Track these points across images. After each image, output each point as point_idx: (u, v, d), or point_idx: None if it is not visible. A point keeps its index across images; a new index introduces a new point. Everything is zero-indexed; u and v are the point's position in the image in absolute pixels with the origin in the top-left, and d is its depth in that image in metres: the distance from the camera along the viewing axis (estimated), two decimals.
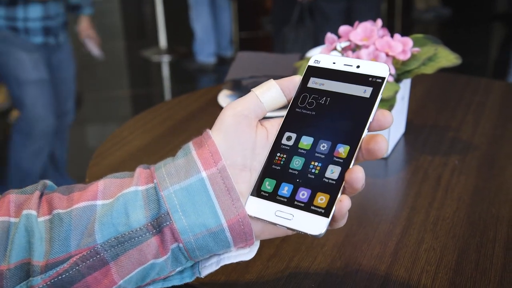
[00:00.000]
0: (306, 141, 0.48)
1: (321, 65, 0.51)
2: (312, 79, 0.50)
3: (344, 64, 0.50)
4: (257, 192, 0.47)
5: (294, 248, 0.66)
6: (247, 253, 0.50)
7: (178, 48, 4.45)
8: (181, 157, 0.48)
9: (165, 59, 4.32)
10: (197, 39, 4.04)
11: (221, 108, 1.06)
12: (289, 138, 0.49)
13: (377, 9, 2.82)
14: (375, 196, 0.78)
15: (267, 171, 0.48)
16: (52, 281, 0.45)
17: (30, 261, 0.46)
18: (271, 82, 0.50)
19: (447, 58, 0.83)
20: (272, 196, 0.47)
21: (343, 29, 0.84)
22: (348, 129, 0.47)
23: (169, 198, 0.47)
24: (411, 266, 0.63)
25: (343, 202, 0.45)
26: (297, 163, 0.47)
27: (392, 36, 0.83)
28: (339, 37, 0.85)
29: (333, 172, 0.46)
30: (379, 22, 0.85)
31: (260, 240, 0.51)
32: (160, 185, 0.47)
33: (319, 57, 0.51)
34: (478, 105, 1.06)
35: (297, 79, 0.51)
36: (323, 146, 0.47)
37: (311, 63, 0.51)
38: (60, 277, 0.46)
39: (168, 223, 0.46)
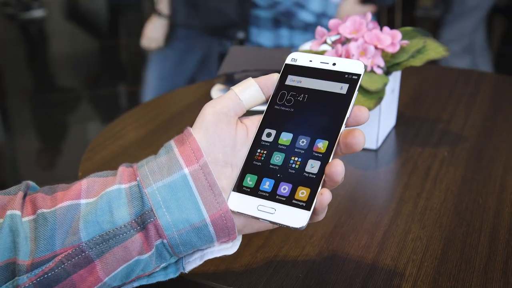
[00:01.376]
0: (286, 137, 0.49)
1: (298, 63, 0.52)
2: (289, 77, 0.52)
3: (321, 62, 0.51)
4: (239, 187, 0.49)
5: (283, 239, 0.67)
6: (230, 248, 0.51)
7: None
8: (163, 155, 0.49)
9: None
10: None
11: None
12: (269, 135, 0.50)
13: None
14: (364, 187, 0.79)
15: (248, 166, 0.49)
16: (38, 279, 0.46)
17: (15, 261, 0.46)
18: (250, 80, 0.51)
19: (436, 50, 0.83)
20: (254, 191, 0.48)
21: (332, 22, 0.85)
22: (326, 125, 0.48)
23: (153, 195, 0.47)
24: (398, 256, 0.63)
25: (324, 195, 0.46)
26: (277, 158, 0.49)
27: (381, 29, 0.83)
28: (329, 30, 0.86)
29: (313, 166, 0.47)
30: (369, 15, 0.85)
31: (255, 232, 0.52)
32: (143, 183, 0.48)
33: (296, 55, 0.53)
34: (469, 97, 1.07)
35: (275, 77, 0.52)
36: (303, 142, 0.49)
37: (288, 61, 0.52)
38: (46, 276, 0.46)
39: (152, 219, 0.47)
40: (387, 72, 0.85)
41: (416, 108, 1.03)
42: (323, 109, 0.49)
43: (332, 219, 0.70)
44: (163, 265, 0.51)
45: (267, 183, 0.48)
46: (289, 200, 0.47)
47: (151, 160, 0.50)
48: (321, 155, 0.47)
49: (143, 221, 0.47)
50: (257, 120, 0.51)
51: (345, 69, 0.50)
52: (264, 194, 0.48)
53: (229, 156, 0.49)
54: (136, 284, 0.52)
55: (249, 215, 0.48)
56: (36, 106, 3.52)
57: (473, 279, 0.59)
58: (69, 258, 0.46)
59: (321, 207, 0.47)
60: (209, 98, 1.09)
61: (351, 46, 0.81)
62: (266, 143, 0.50)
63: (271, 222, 0.47)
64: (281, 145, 0.49)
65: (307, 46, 1.07)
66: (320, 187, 0.46)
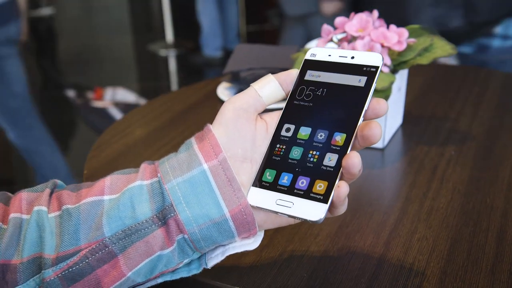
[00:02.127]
0: (304, 132, 0.50)
1: (317, 58, 0.52)
2: (309, 72, 0.52)
3: (339, 56, 0.52)
4: (259, 182, 0.49)
5: (288, 239, 0.66)
6: (252, 243, 0.51)
7: (185, 42, 4.45)
8: (183, 152, 0.50)
9: (172, 53, 4.32)
10: (203, 33, 4.04)
11: (220, 100, 1.07)
12: (288, 130, 0.50)
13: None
14: (370, 186, 0.79)
15: (268, 162, 0.50)
16: (63, 273, 0.47)
17: (41, 255, 0.48)
18: (269, 76, 0.52)
19: (443, 48, 0.83)
20: (273, 186, 0.49)
21: (338, 20, 0.84)
22: (344, 118, 0.49)
23: (173, 190, 0.48)
24: (403, 256, 0.63)
25: (341, 188, 0.46)
26: (296, 153, 0.49)
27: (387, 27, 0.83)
28: (335, 28, 0.85)
29: (330, 159, 0.47)
30: (375, 13, 0.85)
31: (276, 227, 0.52)
32: (163, 179, 0.49)
33: (315, 50, 0.53)
34: (477, 95, 1.06)
35: (294, 72, 0.52)
36: (321, 136, 0.49)
37: (307, 56, 0.53)
38: (70, 270, 0.47)
39: (172, 214, 0.48)
40: (394, 70, 0.84)
41: (423, 107, 1.02)
42: (341, 103, 0.49)
43: (337, 219, 0.70)
44: (186, 261, 0.51)
45: (286, 177, 0.49)
46: (307, 194, 0.47)
47: (172, 156, 0.51)
48: (339, 148, 0.48)
49: (164, 216, 0.48)
50: (277, 116, 0.52)
51: (364, 62, 0.50)
52: (283, 188, 0.48)
53: (248, 152, 0.50)
54: (160, 280, 0.53)
55: (267, 210, 0.48)
56: (44, 103, 3.53)
57: (480, 280, 0.58)
58: (93, 252, 0.47)
59: (338, 200, 0.47)
60: (215, 96, 1.09)
61: (357, 44, 0.80)
62: (285, 138, 0.50)
63: (289, 216, 0.47)
64: (300, 139, 0.50)
65: (313, 44, 1.07)
66: (337, 180, 0.47)
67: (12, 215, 0.49)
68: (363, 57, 0.50)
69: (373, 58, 0.50)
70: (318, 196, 0.47)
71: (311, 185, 0.47)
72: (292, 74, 0.52)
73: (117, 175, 0.52)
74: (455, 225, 0.68)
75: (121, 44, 4.83)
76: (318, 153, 0.48)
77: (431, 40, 0.83)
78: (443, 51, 0.82)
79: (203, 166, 0.48)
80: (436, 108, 1.01)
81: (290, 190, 0.48)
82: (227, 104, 0.51)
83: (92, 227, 0.48)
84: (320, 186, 0.47)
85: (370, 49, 0.80)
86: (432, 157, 0.83)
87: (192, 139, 0.51)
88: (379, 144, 0.87)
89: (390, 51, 0.82)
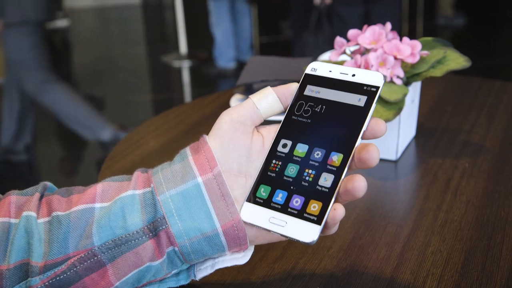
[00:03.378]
0: (301, 149, 0.49)
1: (317, 73, 0.51)
2: (308, 87, 0.51)
3: (340, 73, 0.50)
4: (252, 198, 0.48)
5: (301, 251, 0.66)
6: (241, 257, 0.51)
7: (198, 53, 4.48)
8: (178, 162, 0.50)
9: (186, 64, 4.35)
10: (217, 44, 4.06)
11: None
12: (284, 145, 0.49)
13: (396, 13, 2.79)
14: (383, 199, 0.78)
15: (263, 177, 0.49)
16: (50, 281, 0.47)
17: (29, 262, 0.47)
18: (268, 89, 0.51)
19: (457, 61, 0.83)
20: (267, 203, 0.48)
21: (352, 32, 0.84)
22: (342, 138, 0.48)
23: (165, 202, 0.48)
24: (417, 269, 0.62)
25: (337, 211, 0.46)
26: (291, 170, 0.48)
27: (400, 39, 0.83)
28: (348, 41, 0.86)
29: (326, 180, 0.46)
30: (388, 25, 0.85)
31: (267, 243, 0.51)
32: (156, 190, 0.48)
33: (316, 65, 0.52)
34: (491, 107, 1.05)
35: (293, 86, 0.51)
36: (317, 154, 0.48)
37: (307, 71, 0.52)
38: (58, 278, 0.47)
39: (164, 227, 0.47)
40: (407, 82, 0.84)
41: (437, 119, 1.02)
42: (340, 121, 0.48)
43: (350, 231, 0.70)
44: (175, 271, 0.51)
45: (280, 195, 0.48)
46: (301, 214, 0.46)
47: (165, 167, 0.50)
48: (335, 169, 0.47)
49: (155, 228, 0.47)
50: (273, 130, 0.51)
51: (364, 80, 0.49)
52: (277, 206, 0.47)
53: (243, 166, 0.49)
54: None
55: (260, 227, 0.47)
56: None
57: None
58: (82, 261, 0.47)
59: (333, 222, 0.46)
60: (228, 107, 1.09)
61: (370, 56, 0.80)
62: (282, 154, 0.49)
63: (281, 235, 0.47)
64: (296, 156, 0.49)
65: (326, 56, 1.07)
66: (332, 202, 0.46)
67: (0, 219, 0.48)
68: (364, 76, 0.49)
69: (374, 78, 0.49)
70: (312, 217, 0.45)
71: (305, 205, 0.46)
72: (292, 88, 0.51)
73: (109, 182, 0.51)
74: (469, 238, 0.67)
75: (135, 55, 4.87)
76: (314, 172, 0.47)
77: (444, 52, 0.83)
78: (456, 63, 0.82)
79: (197, 180, 0.48)
80: (450, 120, 1.01)
81: (284, 208, 0.47)
82: (224, 116, 0.50)
83: (81, 235, 0.47)
84: (314, 207, 0.46)
85: (383, 61, 0.80)
86: (445, 170, 0.83)
87: (187, 150, 0.50)
88: (392, 156, 0.87)
89: (403, 64, 0.82)
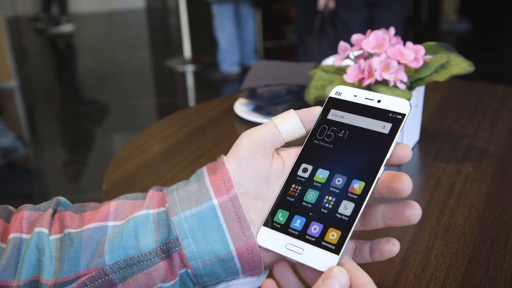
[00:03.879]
0: (322, 174, 0.47)
1: (342, 97, 0.50)
2: (332, 111, 0.50)
3: (365, 98, 0.49)
4: (270, 222, 0.47)
5: None
6: (255, 281, 0.50)
7: (202, 58, 4.49)
8: (194, 183, 0.49)
9: (190, 69, 4.36)
10: (221, 49, 4.07)
11: (237, 116, 1.08)
12: (305, 170, 0.48)
13: (400, 18, 2.80)
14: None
15: (281, 202, 0.47)
16: None
17: (39, 279, 0.46)
18: (291, 112, 0.50)
19: (460, 65, 0.83)
20: (284, 228, 0.46)
21: (355, 37, 0.85)
22: (364, 165, 0.46)
23: (180, 224, 0.47)
24: (420, 273, 0.63)
25: (395, 246, 0.47)
26: (311, 196, 0.47)
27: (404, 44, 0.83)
28: (352, 45, 0.86)
29: (346, 208, 0.45)
30: (392, 30, 0.85)
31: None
32: (171, 210, 0.47)
33: (341, 88, 0.51)
34: (495, 112, 1.06)
35: (317, 110, 0.50)
36: (338, 181, 0.46)
37: (332, 94, 0.51)
38: None
39: (177, 248, 0.47)
40: (411, 87, 0.84)
41: (440, 123, 1.02)
42: (363, 148, 0.47)
43: (353, 235, 0.70)
44: None
45: (298, 221, 0.46)
46: (319, 242, 0.44)
47: (181, 186, 0.49)
48: (356, 197, 0.45)
49: (168, 249, 0.47)
50: (294, 153, 0.50)
51: (390, 107, 0.48)
52: (294, 232, 0.46)
53: (261, 189, 0.48)
54: None
55: (276, 253, 0.46)
56: (63, 118, 3.57)
57: None
58: (92, 280, 0.46)
59: (389, 255, 0.47)
60: (232, 112, 1.10)
61: (374, 61, 0.80)
62: (302, 179, 0.48)
63: (298, 262, 0.45)
64: (317, 182, 0.47)
65: (330, 61, 1.07)
66: (352, 231, 0.44)
67: (12, 235, 0.48)
68: (390, 102, 0.48)
69: (400, 104, 0.47)
70: (330, 246, 0.44)
71: (323, 232, 0.45)
72: (315, 112, 0.50)
73: (122, 200, 0.50)
74: (473, 242, 0.67)
75: (140, 60, 4.89)
76: (334, 199, 0.46)
77: (448, 57, 0.83)
78: (460, 68, 0.82)
79: (212, 201, 0.47)
80: (453, 125, 1.01)
81: (302, 235, 0.45)
82: (243, 137, 0.49)
83: (93, 254, 0.47)
84: (333, 235, 0.44)
85: (387, 66, 0.80)
86: (449, 174, 0.83)
87: (204, 170, 0.50)
88: None
89: (407, 68, 0.83)
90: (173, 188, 0.49)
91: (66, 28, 5.90)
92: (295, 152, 0.50)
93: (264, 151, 0.48)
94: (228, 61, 4.08)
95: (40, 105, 3.82)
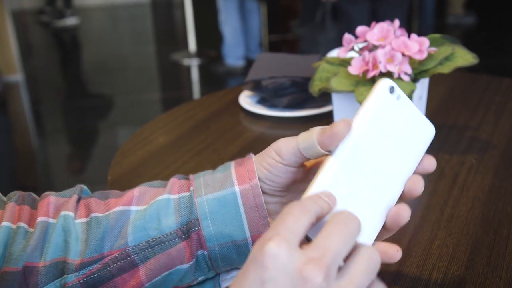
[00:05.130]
0: None
1: None
2: None
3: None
4: None
5: None
6: None
7: (208, 51, 4.49)
8: (221, 172, 0.51)
9: (195, 63, 4.36)
10: (226, 43, 4.07)
11: (241, 108, 1.08)
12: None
13: (403, 11, 2.79)
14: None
15: None
16: (85, 279, 0.48)
17: (65, 260, 0.48)
18: (312, 131, 0.46)
19: (464, 57, 0.83)
20: None
21: (360, 29, 0.85)
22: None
23: (201, 205, 0.49)
24: (423, 263, 0.63)
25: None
26: None
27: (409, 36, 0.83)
28: (356, 37, 0.86)
29: None
30: (397, 22, 0.85)
31: None
32: (195, 193, 0.50)
33: None
34: (499, 105, 1.06)
35: (340, 133, 0.44)
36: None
37: None
38: (92, 276, 0.48)
39: (196, 228, 0.49)
40: (415, 79, 0.84)
41: (444, 115, 1.02)
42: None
43: None
44: (201, 278, 0.52)
45: None
46: None
47: (208, 173, 0.52)
48: None
49: (188, 229, 0.49)
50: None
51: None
52: None
53: (281, 192, 0.51)
54: None
55: None
56: (68, 111, 3.59)
57: (499, 287, 0.58)
58: (115, 261, 0.48)
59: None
60: (236, 104, 1.10)
61: (378, 53, 0.81)
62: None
63: None
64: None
65: (334, 53, 1.08)
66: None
67: (39, 218, 0.50)
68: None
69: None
70: None
71: None
72: (338, 135, 0.44)
73: (145, 187, 0.52)
74: (475, 232, 0.68)
75: (145, 53, 4.89)
76: None
77: (452, 49, 0.83)
78: (464, 60, 0.82)
79: (235, 188, 0.49)
80: (457, 117, 1.01)
81: None
82: (275, 156, 0.49)
83: (117, 236, 0.49)
84: None
85: (391, 58, 0.81)
86: (453, 166, 0.84)
87: (232, 162, 0.52)
88: None
89: (411, 60, 0.83)
90: (200, 174, 0.52)
91: (71, 21, 5.91)
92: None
93: (286, 169, 0.49)
94: (233, 54, 4.08)
95: (45, 99, 3.83)
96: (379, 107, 0.45)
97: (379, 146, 0.45)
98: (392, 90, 0.45)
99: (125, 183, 0.83)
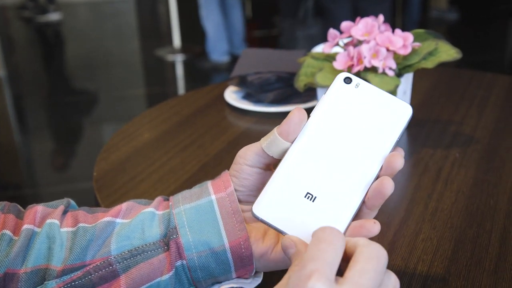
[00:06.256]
0: None
1: None
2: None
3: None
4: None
5: None
6: (249, 283, 0.52)
7: (192, 47, 4.48)
8: (198, 187, 0.53)
9: (179, 58, 4.35)
10: (209, 38, 4.06)
11: (227, 104, 1.08)
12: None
13: (385, 7, 2.80)
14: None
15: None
16: (65, 286, 0.48)
17: (47, 267, 0.48)
18: (273, 131, 0.50)
19: (448, 52, 0.84)
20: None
21: (345, 24, 0.86)
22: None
23: (179, 215, 0.50)
24: (408, 256, 0.64)
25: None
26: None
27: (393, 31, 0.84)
28: (341, 32, 0.87)
29: None
30: (381, 17, 0.86)
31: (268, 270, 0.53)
32: (173, 205, 0.51)
33: None
34: (482, 99, 1.07)
35: (295, 119, 0.48)
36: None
37: None
38: (72, 283, 0.48)
39: (174, 236, 0.49)
40: (399, 74, 0.85)
41: (428, 110, 1.03)
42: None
43: None
44: None
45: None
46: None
47: (186, 191, 0.54)
48: None
49: (168, 238, 0.50)
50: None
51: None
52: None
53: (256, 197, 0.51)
54: None
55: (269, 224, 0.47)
56: (52, 107, 3.56)
57: (483, 279, 0.59)
58: (97, 269, 0.49)
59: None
60: (222, 99, 1.10)
61: (363, 48, 0.81)
62: None
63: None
64: None
65: (319, 48, 1.08)
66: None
67: (25, 226, 0.50)
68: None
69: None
70: None
71: None
72: (293, 122, 0.48)
73: (133, 203, 0.54)
74: (459, 226, 0.69)
75: (129, 49, 4.86)
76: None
77: (436, 44, 0.84)
78: (447, 55, 0.83)
79: (211, 197, 0.51)
80: (441, 111, 1.02)
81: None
82: (240, 159, 0.51)
83: (100, 245, 0.50)
84: None
85: (376, 53, 0.81)
86: (436, 160, 0.84)
87: (208, 181, 0.54)
88: None
89: (395, 55, 0.83)
90: (178, 193, 0.54)
91: (54, 16, 5.86)
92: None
93: (258, 171, 0.51)
94: (217, 50, 4.06)
95: (28, 95, 3.79)
96: (335, 96, 0.50)
97: (343, 130, 0.49)
98: (348, 80, 0.50)
99: (110, 179, 0.82)
